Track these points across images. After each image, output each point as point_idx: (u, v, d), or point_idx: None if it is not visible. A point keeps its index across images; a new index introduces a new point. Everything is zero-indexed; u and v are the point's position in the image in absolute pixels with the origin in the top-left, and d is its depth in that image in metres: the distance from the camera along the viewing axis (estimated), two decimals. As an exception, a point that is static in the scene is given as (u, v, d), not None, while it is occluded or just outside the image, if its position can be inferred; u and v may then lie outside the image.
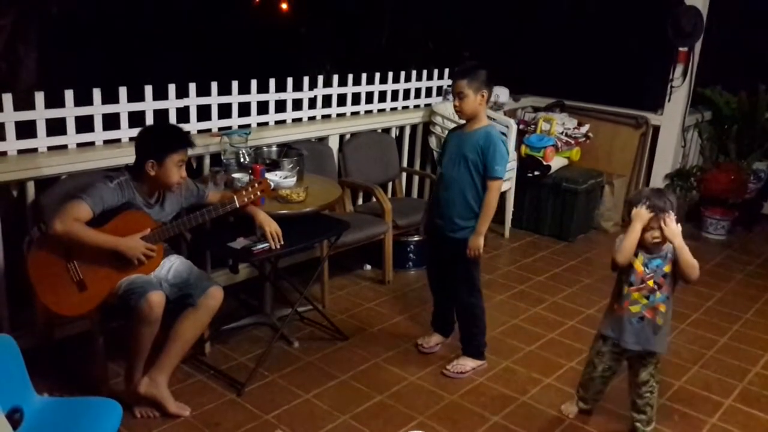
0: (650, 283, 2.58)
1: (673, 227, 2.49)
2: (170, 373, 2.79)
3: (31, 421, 2.06)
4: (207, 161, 3.66)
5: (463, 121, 3.11)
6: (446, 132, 4.71)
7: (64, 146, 3.20)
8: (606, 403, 3.02)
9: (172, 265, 2.86)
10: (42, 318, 3.02)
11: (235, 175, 3.23)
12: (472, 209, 3.02)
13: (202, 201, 2.96)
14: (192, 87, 3.61)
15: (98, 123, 3.28)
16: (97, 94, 3.25)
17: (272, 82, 4.00)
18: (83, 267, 2.64)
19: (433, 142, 4.85)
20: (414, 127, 4.92)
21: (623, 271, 2.63)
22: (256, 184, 2.92)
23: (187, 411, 2.80)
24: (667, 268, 2.58)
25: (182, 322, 2.74)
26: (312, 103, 4.26)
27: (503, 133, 4.72)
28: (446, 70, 5.08)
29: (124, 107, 3.35)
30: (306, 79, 4.18)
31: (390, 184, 4.72)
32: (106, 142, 3.33)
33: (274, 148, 3.73)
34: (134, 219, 2.68)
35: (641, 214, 2.52)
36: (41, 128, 3.09)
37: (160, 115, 3.50)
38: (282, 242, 2.92)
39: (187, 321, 2.74)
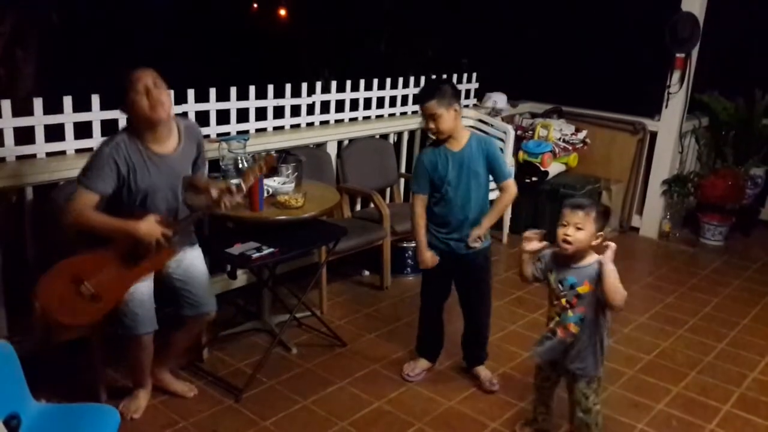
0: (563, 301, 2.48)
1: (608, 252, 2.34)
2: (169, 366, 2.93)
3: (29, 428, 2.05)
4: (206, 167, 3.66)
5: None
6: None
7: (63, 152, 3.20)
8: (602, 408, 3.02)
9: (189, 265, 2.77)
10: (41, 324, 3.01)
11: (234, 181, 3.22)
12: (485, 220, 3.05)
13: (198, 165, 2.81)
14: (190, 93, 3.61)
15: (97, 129, 3.28)
16: (95, 100, 3.25)
17: (270, 88, 4.01)
18: (95, 283, 2.51)
19: (431, 148, 4.86)
20: (412, 133, 4.93)
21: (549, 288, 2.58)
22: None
23: (193, 392, 2.93)
24: (582, 289, 2.43)
25: (175, 334, 2.84)
26: (310, 109, 4.26)
27: (501, 139, 4.75)
28: (444, 76, 5.09)
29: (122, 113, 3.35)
30: (304, 85, 4.18)
31: (388, 190, 4.72)
32: (104, 147, 3.33)
33: (273, 154, 3.73)
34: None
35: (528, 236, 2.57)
36: (40, 134, 3.09)
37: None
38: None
39: (178, 333, 2.85)
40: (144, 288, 2.65)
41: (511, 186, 3.03)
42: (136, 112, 2.51)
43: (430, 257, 3.02)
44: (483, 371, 3.20)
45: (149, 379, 2.85)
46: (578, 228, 2.43)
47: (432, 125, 2.87)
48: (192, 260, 2.81)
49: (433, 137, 2.95)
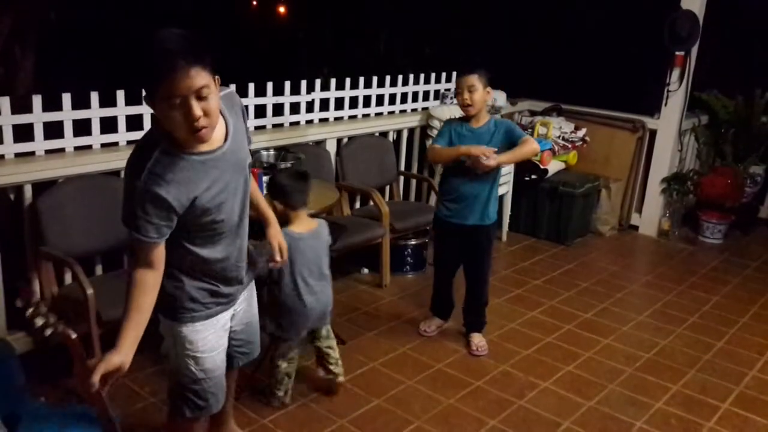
0: None
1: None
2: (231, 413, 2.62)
3: (27, 427, 2.05)
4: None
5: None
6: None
7: (62, 149, 3.19)
8: (601, 406, 3.03)
9: (248, 308, 2.32)
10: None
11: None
12: (494, 200, 3.29)
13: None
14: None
15: (96, 126, 3.28)
16: (94, 97, 3.25)
17: (270, 85, 4.00)
18: None
19: (430, 145, 4.86)
20: (411, 131, 4.92)
21: None
22: None
23: None
24: None
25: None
26: (309, 107, 4.26)
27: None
28: (443, 74, 5.08)
29: (121, 111, 3.35)
30: (304, 83, 4.18)
31: (387, 188, 4.72)
32: (103, 145, 3.33)
33: (272, 152, 3.73)
34: None
35: None
36: (39, 131, 3.08)
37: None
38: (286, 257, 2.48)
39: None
40: (220, 359, 2.15)
41: (531, 140, 3.16)
42: (168, 126, 1.75)
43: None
44: (476, 337, 3.49)
45: None
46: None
47: (467, 96, 3.14)
48: (250, 300, 2.33)
49: (463, 109, 3.21)
